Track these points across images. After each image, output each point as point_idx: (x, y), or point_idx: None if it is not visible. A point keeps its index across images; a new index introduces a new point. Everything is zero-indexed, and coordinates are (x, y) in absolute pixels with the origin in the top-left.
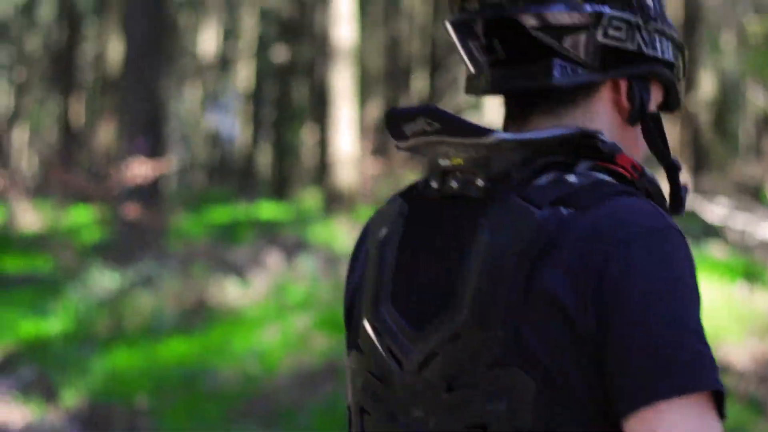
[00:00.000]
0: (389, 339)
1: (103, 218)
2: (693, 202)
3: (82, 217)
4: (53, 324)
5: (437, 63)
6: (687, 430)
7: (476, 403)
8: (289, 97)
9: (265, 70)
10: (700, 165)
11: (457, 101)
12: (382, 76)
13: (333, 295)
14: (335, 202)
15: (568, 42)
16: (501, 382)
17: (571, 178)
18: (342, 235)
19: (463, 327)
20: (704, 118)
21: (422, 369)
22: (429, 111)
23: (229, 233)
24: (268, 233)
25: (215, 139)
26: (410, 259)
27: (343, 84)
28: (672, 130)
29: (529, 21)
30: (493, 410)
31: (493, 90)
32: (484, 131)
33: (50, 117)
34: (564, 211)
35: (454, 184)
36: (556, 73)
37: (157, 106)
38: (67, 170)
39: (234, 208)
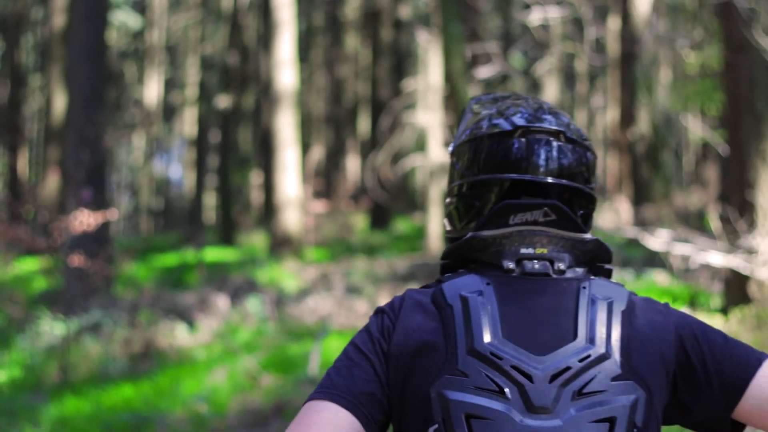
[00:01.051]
0: (512, 359)
1: (50, 268)
2: (635, 232)
3: (28, 267)
4: (1, 373)
5: (380, 105)
6: None
7: (605, 403)
8: (234, 142)
9: (208, 117)
10: (640, 196)
11: (400, 142)
12: (325, 119)
13: (280, 335)
14: (281, 244)
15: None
16: (622, 389)
17: (612, 282)
18: (288, 276)
19: (593, 353)
20: (640, 152)
21: (555, 379)
22: (554, 206)
23: (176, 278)
24: (216, 276)
25: (161, 186)
26: (512, 313)
27: (286, 128)
28: (612, 165)
29: (587, 194)
30: (621, 408)
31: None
32: (583, 231)
33: None
34: (642, 300)
35: (537, 267)
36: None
37: (101, 155)
38: (12, 223)
39: (181, 254)
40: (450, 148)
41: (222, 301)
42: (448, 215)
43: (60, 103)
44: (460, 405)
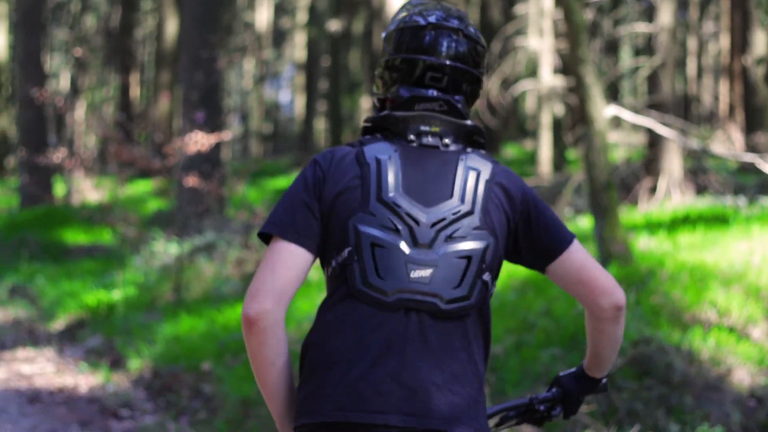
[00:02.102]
0: (407, 208)
1: (163, 189)
2: (750, 157)
3: (142, 189)
4: (117, 293)
5: (491, 29)
6: (583, 252)
7: (466, 245)
8: (344, 67)
9: (318, 41)
10: (753, 123)
11: (510, 67)
12: None
13: None
14: None
15: (478, 89)
16: (480, 236)
17: (484, 154)
18: None
19: (462, 209)
20: (754, 77)
21: (434, 225)
22: (447, 100)
23: None
24: None
25: (271, 110)
26: (410, 173)
27: None
28: (724, 92)
29: (475, 76)
30: (476, 250)
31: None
32: (465, 118)
33: (108, 93)
34: (501, 170)
35: (430, 140)
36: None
37: (215, 77)
38: (126, 144)
39: (292, 178)
40: (383, 34)
41: None
42: (378, 81)
43: (172, 27)
44: (368, 236)
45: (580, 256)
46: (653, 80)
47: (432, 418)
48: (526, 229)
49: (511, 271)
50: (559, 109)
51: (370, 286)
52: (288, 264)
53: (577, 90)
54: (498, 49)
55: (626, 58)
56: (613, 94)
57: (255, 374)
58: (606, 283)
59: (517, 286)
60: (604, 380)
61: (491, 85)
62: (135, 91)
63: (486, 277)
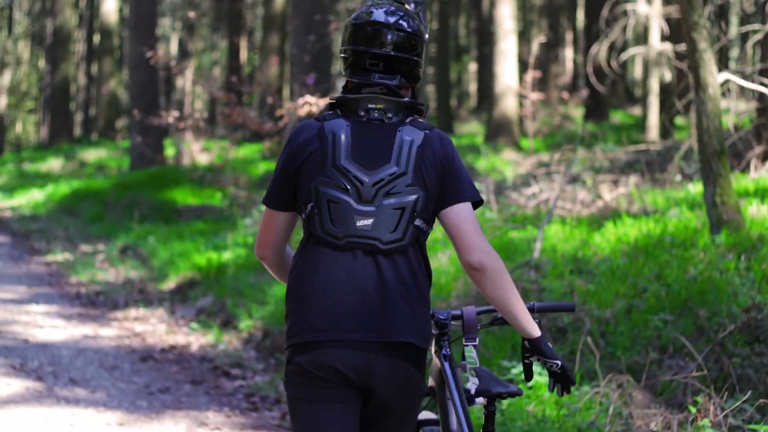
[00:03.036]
0: (354, 172)
1: (274, 152)
2: None
3: (251, 152)
4: (228, 254)
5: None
6: (469, 212)
7: (400, 199)
8: (452, 32)
9: (427, 6)
10: None
11: (619, 33)
12: (543, 9)
13: (501, 222)
14: (498, 133)
15: (415, 69)
16: (411, 192)
17: (420, 120)
18: (506, 164)
19: (397, 171)
20: None
21: (375, 185)
22: (386, 85)
23: None
24: None
25: None
26: (358, 144)
27: (506, 17)
28: None
29: (413, 59)
30: (408, 201)
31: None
32: (402, 96)
33: (216, 57)
34: (429, 131)
35: (376, 115)
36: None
37: (325, 42)
38: (235, 108)
39: None
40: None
41: None
42: (342, 64)
43: None
44: (324, 194)
45: (463, 214)
46: (765, 46)
47: (390, 331)
48: (442, 182)
49: (621, 236)
50: (668, 75)
51: (326, 233)
52: (275, 223)
53: (689, 55)
54: (606, 15)
55: (735, 25)
56: (721, 60)
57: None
58: (472, 242)
59: (627, 251)
60: (543, 340)
61: (599, 51)
62: (244, 55)
63: (418, 222)
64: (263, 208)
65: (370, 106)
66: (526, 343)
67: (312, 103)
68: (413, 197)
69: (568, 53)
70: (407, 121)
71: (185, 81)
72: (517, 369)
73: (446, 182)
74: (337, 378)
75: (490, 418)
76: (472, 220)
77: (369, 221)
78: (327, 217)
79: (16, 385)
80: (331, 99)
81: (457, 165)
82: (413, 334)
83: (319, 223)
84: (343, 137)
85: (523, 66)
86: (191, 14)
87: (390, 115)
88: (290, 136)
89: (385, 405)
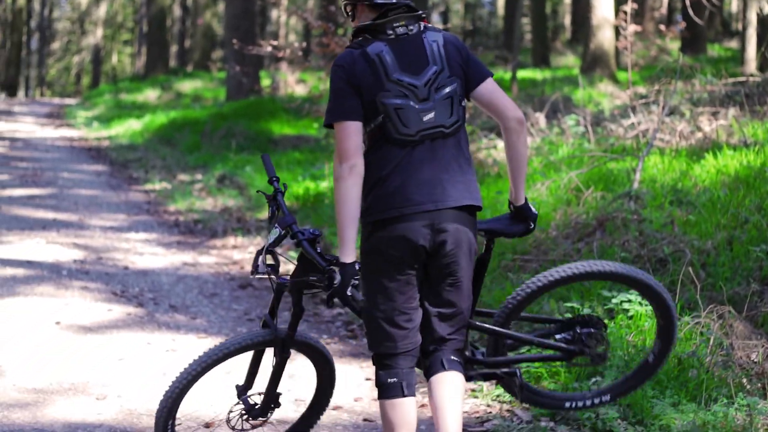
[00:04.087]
0: (407, 80)
1: None
2: None
3: None
4: (325, 183)
5: None
6: (494, 84)
7: (447, 90)
8: None
9: None
10: None
11: None
12: None
13: (600, 153)
14: (594, 65)
15: None
16: (451, 81)
17: (429, 24)
18: (602, 95)
19: (437, 69)
20: None
21: (426, 85)
22: (405, 5)
23: None
24: (530, 95)
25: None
26: (399, 57)
27: None
28: None
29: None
30: (453, 90)
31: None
32: (417, 11)
33: None
34: (447, 34)
35: (402, 30)
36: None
37: None
38: (330, 37)
39: (495, 74)
40: None
41: (539, 119)
42: (352, 13)
43: None
44: (390, 105)
45: (492, 86)
46: None
47: (448, 200)
48: (466, 68)
49: (721, 168)
50: (767, 8)
51: (401, 134)
52: (356, 132)
53: None
54: None
55: None
56: None
57: (343, 209)
58: (508, 103)
59: (727, 182)
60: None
61: None
62: None
63: (463, 103)
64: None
65: (395, 24)
66: (512, 206)
67: None
68: (454, 85)
69: None
70: (423, 28)
71: (280, 12)
72: (617, 299)
73: (469, 67)
74: (408, 250)
75: None
76: (499, 89)
77: (431, 114)
78: (398, 121)
79: (118, 311)
80: (357, 27)
81: (470, 52)
82: (471, 198)
83: (392, 128)
84: (387, 56)
85: None
86: None
87: (411, 27)
88: (337, 63)
89: (446, 266)
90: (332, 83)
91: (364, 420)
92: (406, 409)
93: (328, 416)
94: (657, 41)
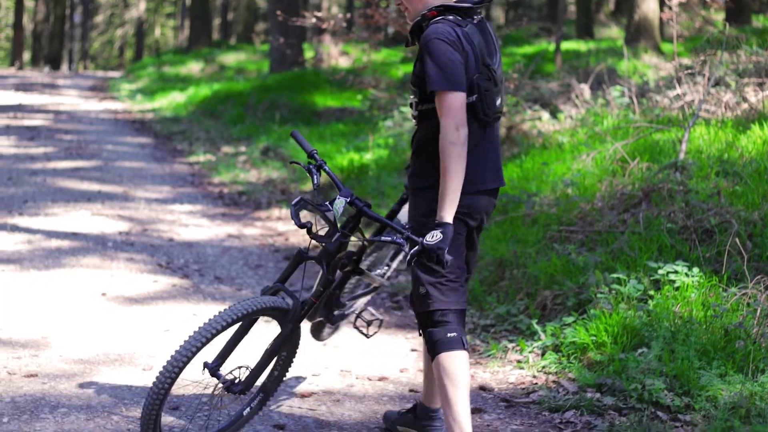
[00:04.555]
0: (492, 65)
1: (413, 55)
2: None
3: (389, 56)
4: (369, 155)
5: None
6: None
7: (503, 76)
8: None
9: None
10: None
11: None
12: None
13: (647, 124)
14: (638, 36)
15: None
16: (502, 68)
17: None
18: (647, 67)
19: (500, 57)
20: None
21: (498, 71)
22: (490, 2)
23: (536, 67)
24: (574, 67)
25: None
26: (485, 42)
27: None
28: None
29: None
30: (503, 76)
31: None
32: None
33: None
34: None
35: (480, 17)
36: None
37: None
38: (374, 9)
39: (538, 46)
40: None
41: (583, 90)
42: None
43: None
44: (482, 86)
45: None
46: None
47: (502, 181)
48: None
49: (767, 138)
50: None
51: (486, 115)
52: (465, 104)
53: None
54: None
55: None
56: None
57: (457, 172)
58: None
59: None
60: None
61: None
62: None
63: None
64: (403, 109)
65: (478, 10)
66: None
67: None
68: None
69: None
70: (483, 17)
71: None
72: (663, 270)
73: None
74: (475, 222)
75: None
76: None
77: (500, 99)
78: (485, 102)
79: (163, 282)
80: (445, 5)
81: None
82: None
83: (480, 108)
84: (479, 40)
85: None
86: None
87: (482, 16)
88: (451, 37)
89: (480, 230)
90: (444, 54)
91: (410, 390)
92: (467, 362)
93: (374, 387)
94: (701, 12)
